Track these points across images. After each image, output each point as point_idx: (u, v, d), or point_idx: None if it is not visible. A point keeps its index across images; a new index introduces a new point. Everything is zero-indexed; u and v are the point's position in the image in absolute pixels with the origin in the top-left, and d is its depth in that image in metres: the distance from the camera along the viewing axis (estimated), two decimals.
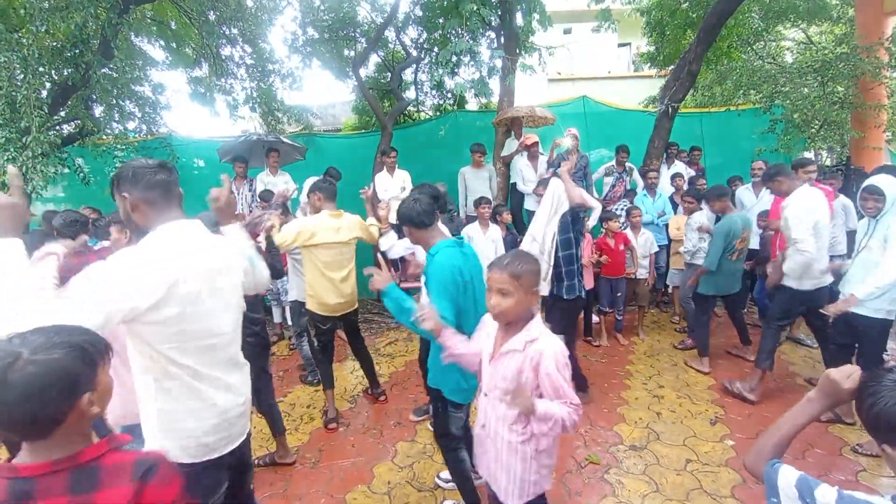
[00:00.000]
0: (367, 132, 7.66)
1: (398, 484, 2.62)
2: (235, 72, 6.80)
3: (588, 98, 6.85)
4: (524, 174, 5.37)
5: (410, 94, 8.16)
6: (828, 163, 7.81)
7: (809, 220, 2.93)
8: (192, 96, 6.53)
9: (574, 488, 2.52)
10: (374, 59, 8.08)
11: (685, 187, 5.10)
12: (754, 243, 4.31)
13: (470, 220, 4.96)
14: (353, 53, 7.49)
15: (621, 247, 4.34)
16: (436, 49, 7.18)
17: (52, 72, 4.50)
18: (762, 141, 6.24)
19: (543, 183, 4.52)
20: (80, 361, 0.88)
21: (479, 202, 4.34)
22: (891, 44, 6.28)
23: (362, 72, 7.28)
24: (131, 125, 5.35)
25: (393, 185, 5.39)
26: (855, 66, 6.00)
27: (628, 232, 4.57)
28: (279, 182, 5.23)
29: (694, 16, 7.81)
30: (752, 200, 4.75)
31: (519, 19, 5.61)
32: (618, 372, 3.92)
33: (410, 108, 8.14)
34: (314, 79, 39.16)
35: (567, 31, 15.93)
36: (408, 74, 8.06)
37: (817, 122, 6.35)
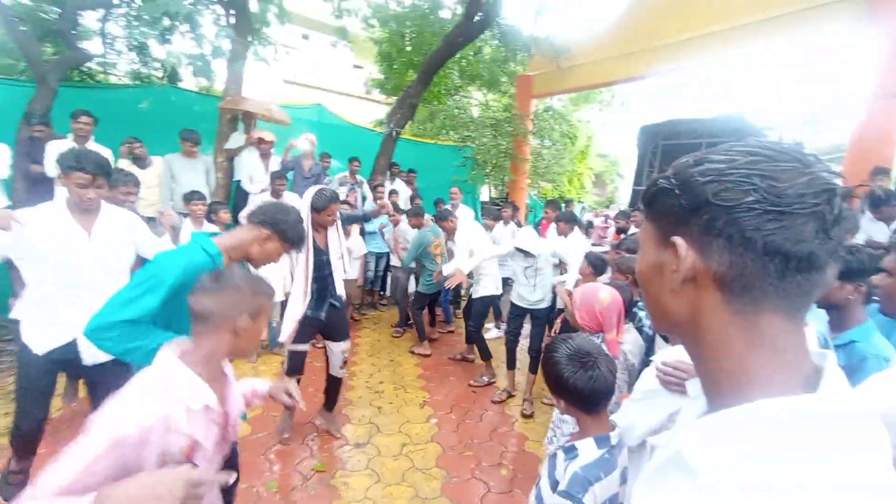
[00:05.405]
0: (10, 80, 5.31)
1: None
2: None
3: (324, 107, 6.94)
4: (253, 173, 4.93)
5: (95, 46, 6.21)
6: (494, 195, 10.65)
7: None
8: None
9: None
10: None
11: (398, 203, 5.83)
12: None
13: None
14: None
15: None
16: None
17: None
18: (457, 172, 7.93)
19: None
20: None
21: (192, 197, 3.71)
22: (534, 117, 9.35)
23: None
24: None
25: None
26: (515, 127, 8.61)
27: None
28: None
29: (416, 60, 9.16)
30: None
31: (254, 5, 5.15)
32: None
33: (93, 65, 6.20)
34: None
35: (305, 37, 15.78)
36: (91, 20, 6.11)
37: (490, 164, 8.67)
